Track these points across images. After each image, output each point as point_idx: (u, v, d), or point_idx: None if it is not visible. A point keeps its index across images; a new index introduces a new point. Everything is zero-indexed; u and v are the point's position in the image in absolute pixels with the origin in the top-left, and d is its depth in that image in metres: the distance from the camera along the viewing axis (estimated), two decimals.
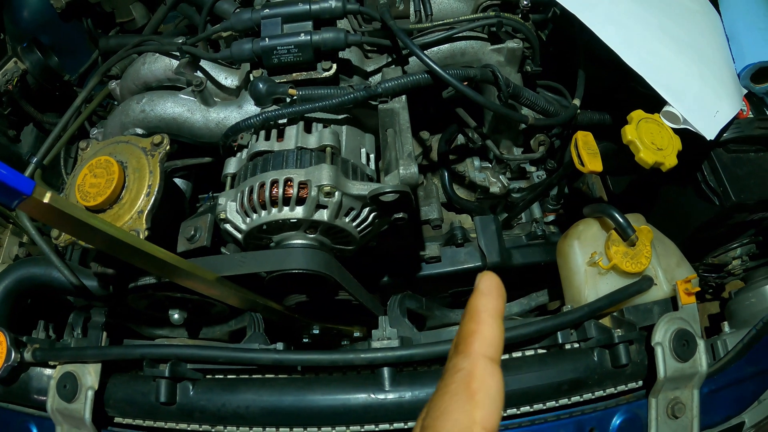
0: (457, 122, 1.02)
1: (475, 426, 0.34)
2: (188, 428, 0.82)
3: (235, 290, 0.83)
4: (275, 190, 0.77)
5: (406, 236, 0.93)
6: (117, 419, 0.87)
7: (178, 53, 0.94)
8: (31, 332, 0.92)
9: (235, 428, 0.80)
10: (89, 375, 0.84)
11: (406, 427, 0.75)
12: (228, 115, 0.92)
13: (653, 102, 0.89)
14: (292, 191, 0.76)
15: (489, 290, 0.40)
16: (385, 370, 0.75)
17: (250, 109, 0.91)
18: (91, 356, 0.83)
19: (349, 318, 1.01)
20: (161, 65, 0.96)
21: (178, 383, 0.80)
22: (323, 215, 0.77)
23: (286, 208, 0.77)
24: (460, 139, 1.04)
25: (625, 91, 0.99)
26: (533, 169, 1.02)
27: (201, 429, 0.82)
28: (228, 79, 0.95)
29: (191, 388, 0.80)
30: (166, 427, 0.83)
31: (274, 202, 0.77)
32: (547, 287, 1.00)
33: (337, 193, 0.76)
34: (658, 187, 0.96)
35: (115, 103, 1.14)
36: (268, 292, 0.89)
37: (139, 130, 0.93)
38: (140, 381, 0.84)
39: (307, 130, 0.83)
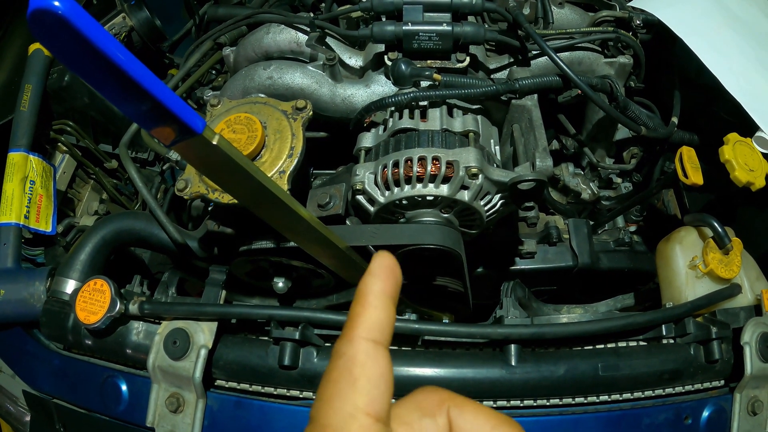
0: (555, 128, 1.12)
1: (358, 412, 0.35)
2: (300, 395, 0.85)
3: (359, 262, 0.87)
4: (422, 166, 0.83)
5: (513, 228, 1.01)
6: (219, 382, 0.88)
7: (305, 27, 0.99)
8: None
9: None
10: (202, 333, 0.85)
11: (535, 404, 0.81)
12: (355, 93, 0.98)
13: (734, 129, 1.02)
14: (440, 169, 0.83)
15: (378, 270, 0.39)
16: (513, 347, 0.82)
17: (378, 89, 0.98)
18: (210, 313, 0.85)
19: (436, 305, 1.07)
20: (286, 37, 1.01)
21: (302, 348, 0.83)
22: (464, 196, 0.84)
23: (431, 185, 0.84)
24: (554, 144, 1.14)
25: (707, 116, 1.12)
26: (619, 180, 1.13)
27: (314, 396, 0.85)
28: (352, 59, 1.01)
29: (316, 354, 0.83)
30: (275, 392, 0.86)
31: (419, 178, 0.83)
32: (629, 292, 1.10)
33: (481, 176, 0.83)
34: (735, 207, 1.09)
35: (213, 71, 1.17)
36: None
37: (262, 96, 0.97)
38: (255, 343, 0.86)
39: (449, 114, 0.90)
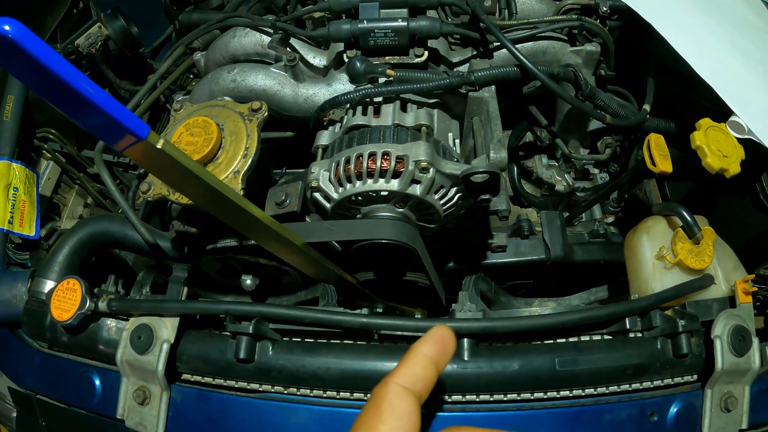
0: (528, 120, 1.11)
1: None
2: (260, 388, 0.88)
3: (318, 258, 0.90)
4: (373, 161, 0.84)
5: (481, 222, 1.01)
6: (185, 376, 0.92)
7: (269, 29, 1.02)
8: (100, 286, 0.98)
9: (309, 390, 0.86)
10: (165, 328, 0.89)
11: (492, 399, 0.81)
12: (317, 92, 1.00)
13: (713, 115, 0.99)
14: (390, 164, 0.84)
15: (435, 338, 0.49)
16: (466, 341, 0.82)
17: (339, 87, 1.00)
18: (172, 309, 0.88)
19: (409, 300, 1.08)
20: (251, 40, 1.04)
21: (258, 342, 0.86)
22: (416, 190, 0.85)
23: (381, 180, 0.85)
24: (528, 136, 1.13)
25: (686, 103, 1.09)
26: (596, 171, 1.11)
27: (273, 389, 0.87)
28: (316, 58, 1.03)
29: (271, 347, 0.86)
30: (236, 385, 0.89)
31: (370, 174, 0.85)
32: (605, 285, 1.08)
33: (432, 169, 0.83)
34: (715, 195, 1.06)
35: (189, 75, 1.21)
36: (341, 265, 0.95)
37: (228, 99, 1.00)
38: (216, 338, 0.89)
39: (403, 109, 0.91)
